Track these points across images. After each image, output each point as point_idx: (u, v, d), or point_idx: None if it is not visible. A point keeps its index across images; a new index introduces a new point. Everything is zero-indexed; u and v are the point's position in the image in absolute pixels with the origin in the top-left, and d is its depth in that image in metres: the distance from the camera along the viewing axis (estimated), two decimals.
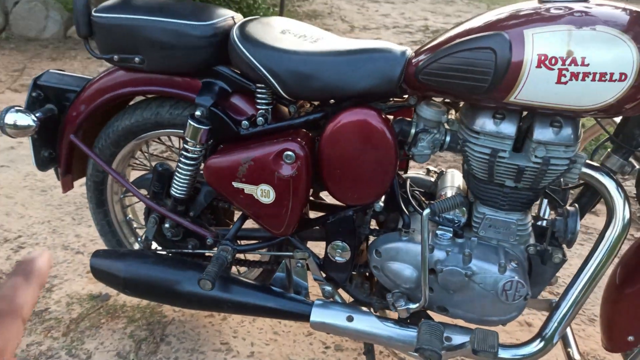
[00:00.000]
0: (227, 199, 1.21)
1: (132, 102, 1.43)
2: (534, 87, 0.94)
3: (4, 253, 1.93)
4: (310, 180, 1.15)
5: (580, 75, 0.91)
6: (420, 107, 1.13)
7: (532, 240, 1.19)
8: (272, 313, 1.28)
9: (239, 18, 1.27)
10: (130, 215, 1.61)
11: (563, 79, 0.92)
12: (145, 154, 1.56)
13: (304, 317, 1.25)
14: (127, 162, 1.49)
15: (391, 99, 1.20)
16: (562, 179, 1.10)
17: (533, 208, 1.21)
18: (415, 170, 1.42)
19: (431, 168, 1.41)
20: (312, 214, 1.41)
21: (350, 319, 1.23)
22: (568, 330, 1.26)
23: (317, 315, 1.24)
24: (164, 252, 1.42)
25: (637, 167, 1.13)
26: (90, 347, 1.52)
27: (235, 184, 1.16)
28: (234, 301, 1.26)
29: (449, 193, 1.23)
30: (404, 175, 1.34)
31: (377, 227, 1.32)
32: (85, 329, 1.58)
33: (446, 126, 1.15)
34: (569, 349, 1.21)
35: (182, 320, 1.63)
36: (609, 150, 1.15)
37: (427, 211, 1.10)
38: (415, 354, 1.19)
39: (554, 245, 1.17)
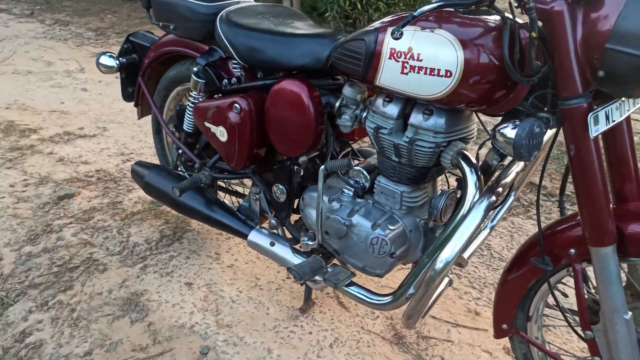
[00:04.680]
0: (205, 135, 1.64)
1: None
2: (388, 75, 1.16)
3: (117, 161, 2.68)
4: (254, 129, 1.51)
5: (416, 69, 1.10)
6: (345, 86, 1.39)
7: (426, 214, 1.36)
8: (225, 227, 1.68)
9: (247, 2, 1.67)
10: None
11: (405, 70, 1.12)
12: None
13: (245, 235, 1.63)
14: (177, 103, 2.02)
15: (334, 78, 1.48)
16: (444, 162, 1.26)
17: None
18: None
19: None
20: None
21: (272, 244, 1.57)
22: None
23: (252, 236, 1.61)
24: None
25: (501, 163, 1.23)
26: (132, 232, 2.12)
27: (206, 124, 1.59)
28: (201, 212, 1.70)
29: (372, 162, 1.46)
30: (354, 145, 1.60)
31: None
32: (135, 220, 2.20)
33: (367, 104, 1.40)
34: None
35: (200, 231, 2.14)
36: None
37: (322, 167, 1.38)
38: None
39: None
